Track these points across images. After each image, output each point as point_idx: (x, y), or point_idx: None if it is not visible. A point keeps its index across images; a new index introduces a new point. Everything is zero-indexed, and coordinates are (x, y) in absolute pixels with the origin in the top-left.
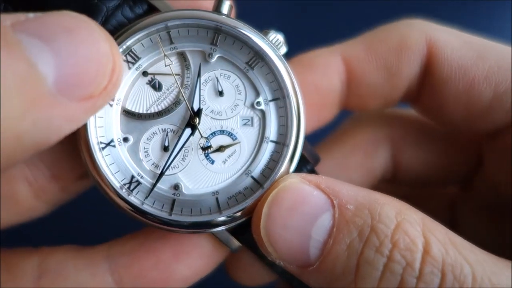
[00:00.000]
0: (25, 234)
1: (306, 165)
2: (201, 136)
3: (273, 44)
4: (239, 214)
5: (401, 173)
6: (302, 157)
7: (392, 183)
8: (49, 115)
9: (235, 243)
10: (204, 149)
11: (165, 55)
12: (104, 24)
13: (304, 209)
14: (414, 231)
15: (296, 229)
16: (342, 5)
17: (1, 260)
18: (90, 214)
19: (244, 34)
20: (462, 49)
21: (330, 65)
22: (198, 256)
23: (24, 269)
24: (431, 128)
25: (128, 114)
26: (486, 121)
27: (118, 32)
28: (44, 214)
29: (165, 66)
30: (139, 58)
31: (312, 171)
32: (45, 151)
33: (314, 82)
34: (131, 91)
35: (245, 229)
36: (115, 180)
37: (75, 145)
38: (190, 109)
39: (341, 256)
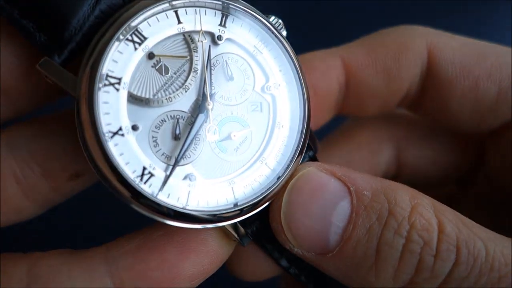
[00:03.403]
0: (13, 238)
1: (308, 151)
2: (211, 123)
3: (276, 27)
4: (254, 203)
5: (404, 172)
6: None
7: None
8: None
9: (246, 236)
10: (215, 136)
11: (201, 30)
12: (96, 2)
13: (324, 196)
14: (428, 213)
15: (317, 216)
16: (342, 8)
17: None
18: (84, 216)
19: (253, 15)
20: (462, 49)
21: (329, 68)
22: (205, 254)
23: (11, 276)
24: (434, 127)
25: (134, 99)
26: (492, 118)
27: (119, 10)
28: (34, 216)
29: (198, 41)
30: (145, 38)
31: (314, 158)
32: (36, 146)
33: (312, 83)
34: (136, 74)
35: (252, 222)
36: (129, 172)
37: (70, 140)
38: (207, 92)
39: (361, 240)
